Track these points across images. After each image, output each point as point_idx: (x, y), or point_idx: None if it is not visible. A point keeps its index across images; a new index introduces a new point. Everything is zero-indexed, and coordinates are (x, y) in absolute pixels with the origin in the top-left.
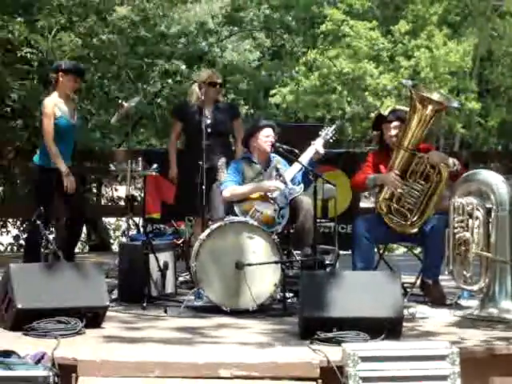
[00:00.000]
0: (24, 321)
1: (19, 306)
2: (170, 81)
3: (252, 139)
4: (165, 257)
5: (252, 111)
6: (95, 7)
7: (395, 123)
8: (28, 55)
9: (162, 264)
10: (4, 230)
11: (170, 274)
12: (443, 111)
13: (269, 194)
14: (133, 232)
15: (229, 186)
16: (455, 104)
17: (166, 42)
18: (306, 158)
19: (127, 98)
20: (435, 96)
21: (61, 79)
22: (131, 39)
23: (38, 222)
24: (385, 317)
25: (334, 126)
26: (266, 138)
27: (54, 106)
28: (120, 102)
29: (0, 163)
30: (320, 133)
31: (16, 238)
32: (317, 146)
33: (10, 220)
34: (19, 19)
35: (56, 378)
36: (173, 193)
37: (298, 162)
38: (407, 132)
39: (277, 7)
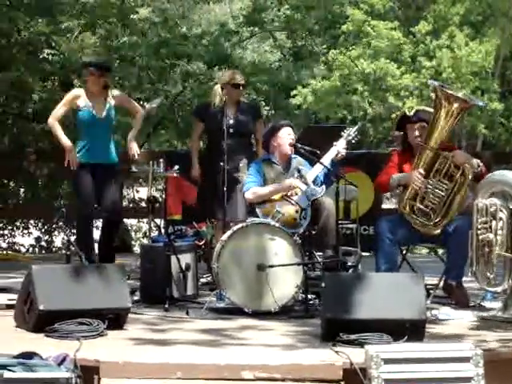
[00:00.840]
0: (46, 322)
1: (41, 308)
2: (191, 82)
3: (272, 139)
4: (186, 258)
5: (273, 112)
6: (116, 9)
7: (420, 124)
8: (50, 57)
9: (183, 265)
10: (26, 231)
11: (191, 275)
12: (466, 111)
13: (290, 193)
14: (154, 233)
15: (251, 187)
16: (480, 102)
17: (187, 44)
18: (327, 158)
19: (149, 99)
20: (460, 94)
21: (85, 74)
22: (152, 41)
23: (60, 224)
24: (408, 318)
25: (356, 127)
26: (286, 136)
27: (77, 97)
28: (142, 103)
29: (21, 165)
30: (342, 134)
31: (37, 239)
32: (339, 147)
33: (32, 221)
34: (41, 21)
35: (78, 380)
36: (194, 194)
37: (320, 163)
38: (432, 131)
39: (297, 7)
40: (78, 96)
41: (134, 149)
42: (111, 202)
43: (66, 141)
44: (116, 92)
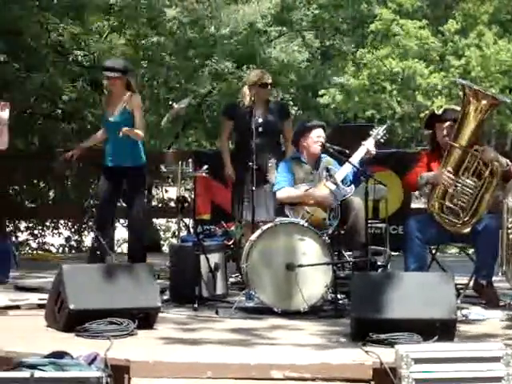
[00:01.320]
0: (76, 322)
1: (72, 307)
2: (219, 82)
3: (302, 139)
4: (215, 258)
5: (301, 112)
6: (145, 9)
7: (448, 123)
8: (79, 57)
9: (212, 265)
10: (56, 231)
11: (220, 275)
12: (495, 109)
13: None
14: (183, 233)
15: (283, 186)
16: (508, 99)
17: (216, 43)
18: (356, 158)
19: (177, 99)
20: (488, 91)
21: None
22: (180, 41)
23: (90, 223)
24: (438, 318)
25: (384, 126)
26: (316, 138)
27: (104, 101)
28: (170, 103)
29: (51, 165)
30: (371, 133)
31: (67, 239)
32: (368, 146)
33: (62, 221)
34: (71, 21)
35: (109, 379)
36: (223, 194)
37: (349, 163)
38: (460, 129)
39: (326, 6)
40: (104, 101)
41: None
42: (128, 204)
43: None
44: (136, 98)
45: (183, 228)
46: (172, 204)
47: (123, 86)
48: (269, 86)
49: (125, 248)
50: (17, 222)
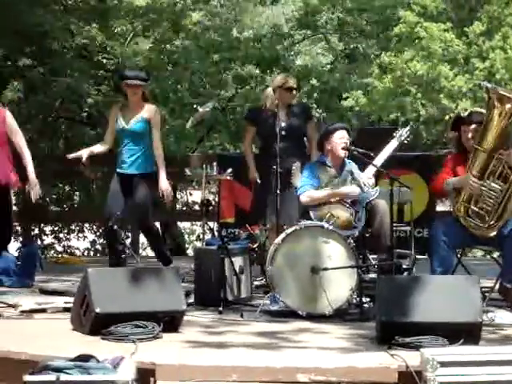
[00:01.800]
0: (102, 325)
1: (97, 311)
2: (243, 85)
3: (326, 142)
4: (240, 261)
5: (325, 115)
6: (169, 13)
7: (474, 126)
8: (104, 61)
9: (237, 268)
10: (81, 234)
11: (245, 278)
12: None
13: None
14: (207, 236)
15: (306, 190)
16: None
17: (240, 47)
18: (381, 160)
19: (201, 103)
20: None
21: (123, 87)
22: (204, 44)
23: (115, 228)
24: (464, 321)
25: (408, 128)
26: (340, 140)
27: (116, 111)
28: (195, 107)
29: (76, 169)
30: (394, 134)
31: (92, 242)
32: (391, 148)
33: (87, 225)
34: (95, 25)
35: (135, 383)
36: (247, 197)
37: (373, 165)
38: (485, 133)
39: (351, 10)
40: (117, 109)
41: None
42: (136, 211)
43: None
44: (158, 113)
45: (207, 231)
46: (196, 207)
47: (142, 95)
48: (293, 91)
49: (149, 251)
50: (42, 225)
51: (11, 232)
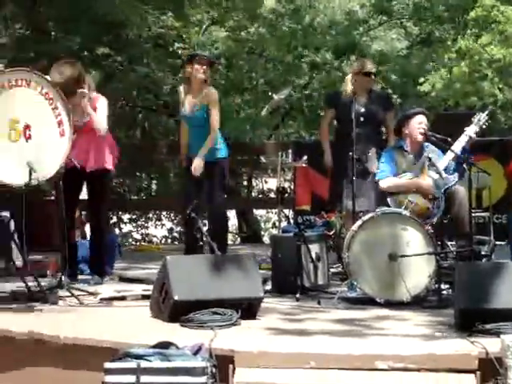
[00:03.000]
0: (181, 312)
1: (176, 298)
2: (318, 72)
3: (404, 127)
4: (316, 248)
5: (400, 100)
6: (244, 1)
7: None
8: (179, 51)
9: (314, 255)
10: (158, 222)
11: (322, 265)
12: None
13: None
14: (283, 224)
15: (386, 176)
16: None
17: (315, 34)
18: (459, 146)
19: (276, 90)
20: None
21: (188, 69)
22: (279, 32)
23: (193, 215)
24: None
25: (486, 112)
26: (418, 124)
27: (180, 93)
28: (270, 94)
29: (154, 157)
30: (472, 119)
31: (170, 230)
32: (470, 133)
33: (164, 213)
34: (170, 14)
35: (214, 369)
36: (322, 184)
37: (452, 151)
38: None
39: None
40: (180, 94)
41: (195, 166)
42: (208, 196)
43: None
44: (215, 93)
45: (283, 219)
46: (272, 195)
47: (202, 78)
48: (371, 76)
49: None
50: (120, 213)
51: (98, 221)
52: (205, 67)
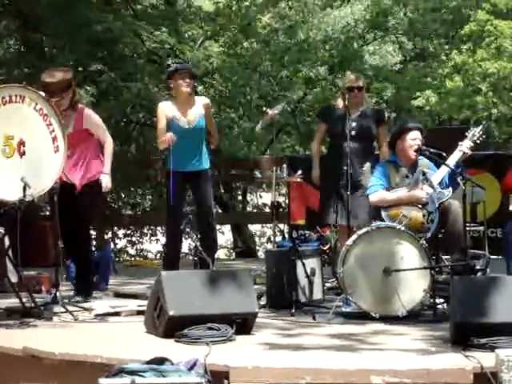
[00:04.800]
0: (176, 328)
1: (171, 313)
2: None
3: (399, 142)
4: (311, 263)
5: (394, 114)
6: (239, 16)
7: None
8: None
9: (309, 270)
10: (153, 238)
11: (317, 280)
12: None
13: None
14: (278, 238)
15: (377, 190)
16: None
17: (309, 49)
18: (453, 160)
19: (270, 105)
20: None
21: (173, 84)
22: (273, 47)
23: (188, 230)
24: None
25: (480, 127)
26: (412, 141)
27: (165, 110)
28: (264, 109)
29: (149, 172)
30: (466, 134)
31: (165, 245)
32: (464, 148)
33: (159, 228)
34: (165, 30)
35: None
36: (317, 198)
37: (446, 165)
38: None
39: (424, 10)
40: (165, 109)
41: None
42: (205, 205)
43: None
44: (203, 99)
45: (278, 233)
46: (267, 209)
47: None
48: (360, 90)
49: (221, 254)
50: (115, 229)
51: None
52: (188, 80)
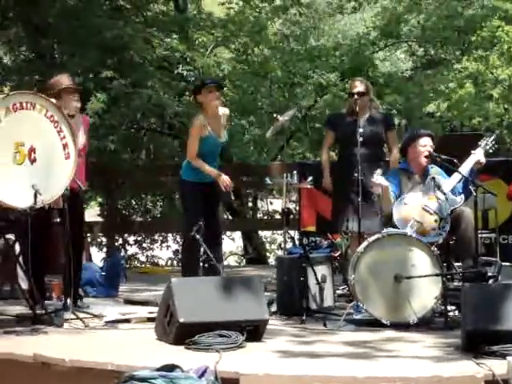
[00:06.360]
0: (186, 335)
1: (181, 320)
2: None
3: (410, 148)
4: (322, 270)
5: (405, 121)
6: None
7: None
8: (184, 73)
9: (319, 277)
10: (164, 244)
11: (327, 287)
12: None
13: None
14: (289, 245)
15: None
16: None
17: (320, 55)
18: (466, 168)
19: (281, 112)
20: None
21: (201, 98)
22: (284, 54)
23: (198, 237)
24: None
25: (493, 136)
26: (423, 147)
27: (202, 126)
28: (274, 116)
29: (159, 179)
30: (479, 143)
31: (176, 252)
32: (478, 156)
33: (170, 235)
34: (175, 36)
35: None
36: (328, 205)
37: (458, 173)
38: None
39: (438, 18)
40: (202, 125)
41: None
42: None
43: (212, 171)
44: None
45: (289, 240)
46: (277, 216)
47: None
48: (359, 95)
49: (231, 261)
50: (126, 235)
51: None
52: (217, 93)
